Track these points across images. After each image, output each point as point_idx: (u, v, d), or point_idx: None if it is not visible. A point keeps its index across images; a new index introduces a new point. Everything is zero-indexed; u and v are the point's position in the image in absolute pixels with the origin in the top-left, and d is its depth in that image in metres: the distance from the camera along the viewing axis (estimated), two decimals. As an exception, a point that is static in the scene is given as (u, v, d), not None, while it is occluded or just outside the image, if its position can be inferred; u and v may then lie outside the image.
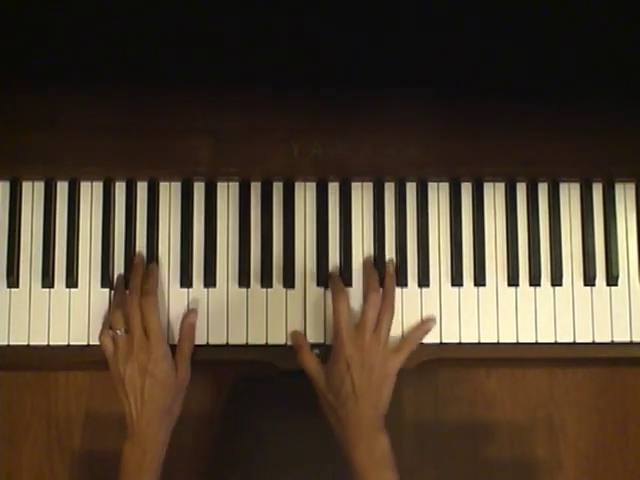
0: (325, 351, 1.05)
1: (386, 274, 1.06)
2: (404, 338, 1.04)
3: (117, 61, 1.08)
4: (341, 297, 1.03)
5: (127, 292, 1.03)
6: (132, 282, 1.04)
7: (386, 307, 1.04)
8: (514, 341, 1.07)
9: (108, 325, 1.03)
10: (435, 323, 1.06)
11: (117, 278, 1.06)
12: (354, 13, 1.09)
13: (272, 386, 1.11)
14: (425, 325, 1.06)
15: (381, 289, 1.05)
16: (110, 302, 1.06)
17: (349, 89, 1.08)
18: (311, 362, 1.03)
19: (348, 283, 1.07)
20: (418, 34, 1.09)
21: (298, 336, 1.05)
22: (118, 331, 1.01)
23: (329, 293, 1.06)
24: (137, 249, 1.07)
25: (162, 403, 1.00)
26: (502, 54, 1.09)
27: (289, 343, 1.06)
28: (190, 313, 1.05)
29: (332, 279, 1.06)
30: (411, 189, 1.09)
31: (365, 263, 1.07)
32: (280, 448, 1.11)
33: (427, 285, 1.07)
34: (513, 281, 1.08)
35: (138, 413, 0.99)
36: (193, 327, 1.04)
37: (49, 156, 1.06)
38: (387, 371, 1.02)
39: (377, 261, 1.07)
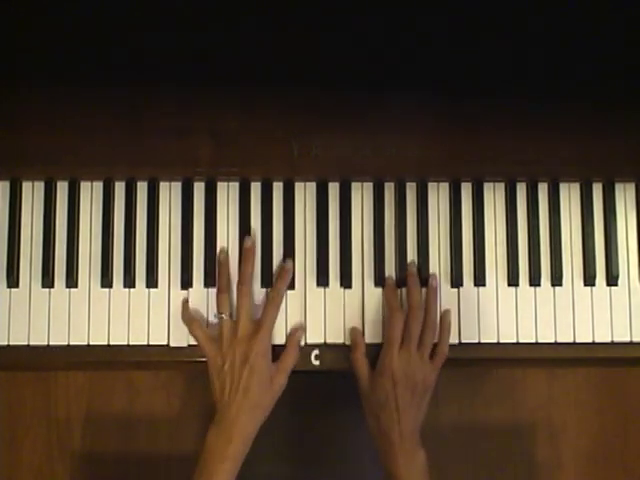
0: (325, 351, 1.05)
1: (429, 287, 1.06)
2: (435, 351, 1.04)
3: (117, 61, 1.08)
4: (398, 314, 1.03)
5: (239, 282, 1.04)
6: (244, 271, 1.04)
7: (428, 323, 1.04)
8: (514, 341, 1.07)
9: (196, 321, 1.03)
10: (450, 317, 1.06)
11: (220, 262, 1.05)
12: (354, 13, 1.09)
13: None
14: (444, 326, 1.05)
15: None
16: (110, 302, 1.06)
17: (349, 89, 1.08)
18: (361, 365, 1.04)
19: (347, 284, 1.07)
20: (417, 34, 1.09)
21: (357, 334, 1.05)
22: (224, 315, 1.02)
23: (329, 293, 1.06)
24: (137, 249, 1.07)
25: (256, 397, 1.00)
26: (502, 54, 1.09)
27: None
28: (298, 330, 1.05)
29: (388, 295, 1.06)
30: (411, 189, 1.09)
31: (409, 275, 1.06)
32: (280, 448, 1.11)
33: (427, 285, 1.07)
34: (513, 281, 1.08)
35: (231, 400, 0.99)
36: (298, 344, 1.04)
37: (49, 156, 1.06)
38: (427, 386, 1.02)
39: (377, 261, 1.07)
